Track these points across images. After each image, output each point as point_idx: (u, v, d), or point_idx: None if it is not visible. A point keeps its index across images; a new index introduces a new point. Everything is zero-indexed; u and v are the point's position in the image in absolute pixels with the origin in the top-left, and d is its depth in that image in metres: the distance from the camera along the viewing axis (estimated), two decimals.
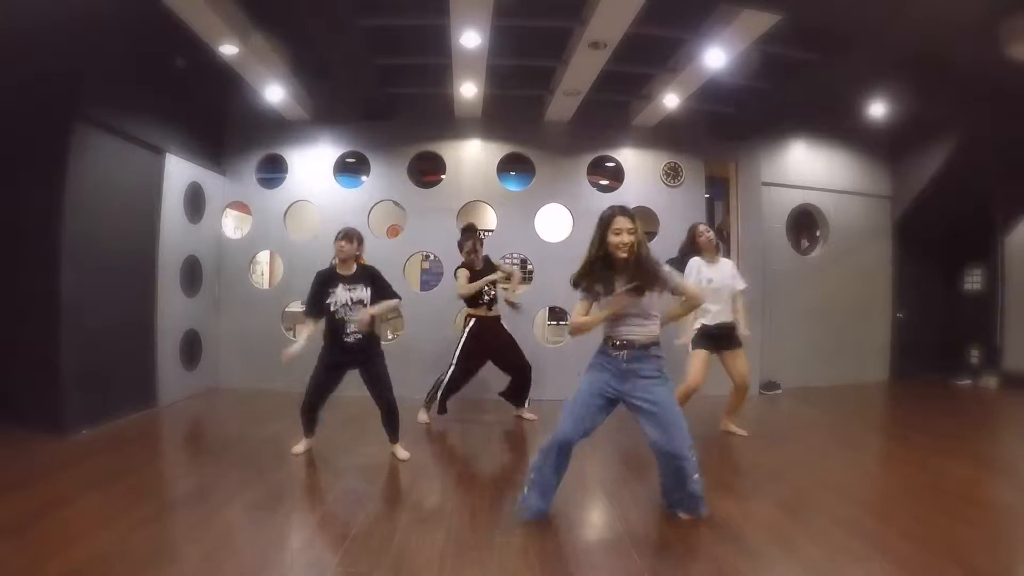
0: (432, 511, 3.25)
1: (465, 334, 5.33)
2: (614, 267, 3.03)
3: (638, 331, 3.06)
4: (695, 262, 4.77)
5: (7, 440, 4.17)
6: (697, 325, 4.73)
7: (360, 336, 3.98)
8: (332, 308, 3.95)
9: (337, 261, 4.08)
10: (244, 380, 6.49)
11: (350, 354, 4.03)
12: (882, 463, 4.62)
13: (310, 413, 4.17)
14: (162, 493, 3.52)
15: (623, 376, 3.07)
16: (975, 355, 7.91)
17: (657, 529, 3.03)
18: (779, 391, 6.93)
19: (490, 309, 5.37)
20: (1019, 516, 3.35)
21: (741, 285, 4.82)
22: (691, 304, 3.32)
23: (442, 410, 5.32)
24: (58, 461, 3.87)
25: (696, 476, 3.06)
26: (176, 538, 2.89)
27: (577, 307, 3.17)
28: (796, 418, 6.02)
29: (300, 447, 4.24)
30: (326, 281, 4.01)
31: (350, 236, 4.04)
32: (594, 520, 3.22)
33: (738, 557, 2.70)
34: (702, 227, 4.88)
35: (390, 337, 7.48)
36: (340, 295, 3.95)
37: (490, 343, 5.35)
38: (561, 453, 3.10)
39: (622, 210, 3.04)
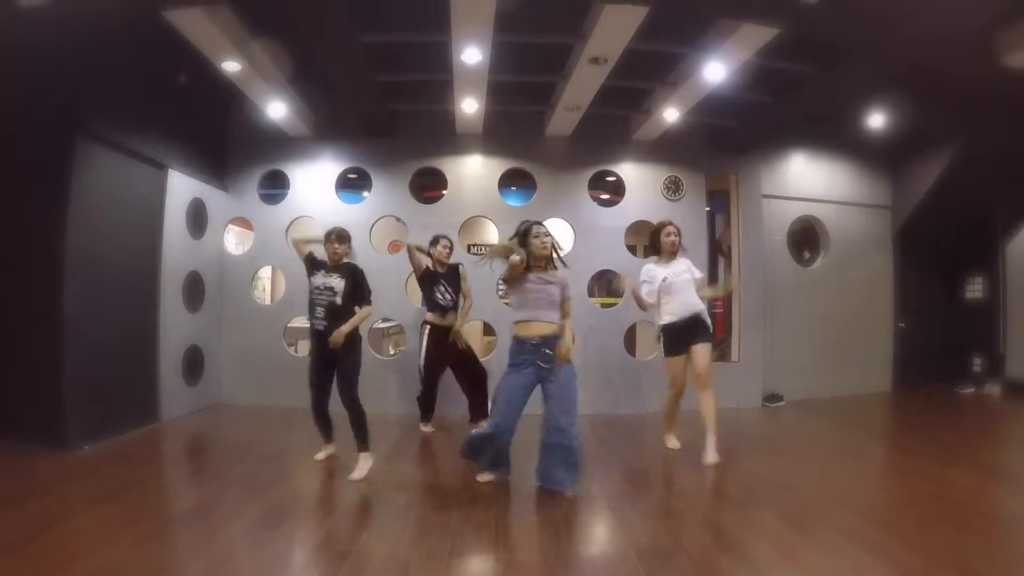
0: (435, 526, 3.22)
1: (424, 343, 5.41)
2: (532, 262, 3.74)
3: (547, 325, 3.73)
4: (647, 268, 4.73)
5: (8, 455, 4.17)
6: (660, 324, 4.70)
7: (326, 324, 4.09)
8: (311, 286, 4.21)
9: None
10: (246, 396, 6.48)
11: (321, 342, 4.12)
12: (886, 473, 4.60)
13: (316, 413, 4.29)
14: (164, 509, 3.50)
15: (540, 366, 3.71)
16: (978, 363, 7.90)
17: (661, 540, 3.02)
18: (782, 403, 6.90)
19: (444, 317, 5.40)
20: (1023, 525, 3.33)
21: (698, 274, 4.74)
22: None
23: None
24: (59, 477, 3.86)
25: (576, 458, 3.65)
26: (178, 555, 2.87)
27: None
28: (799, 430, 6.00)
29: (321, 454, 4.43)
30: (315, 263, 4.27)
31: (340, 237, 4.25)
32: (598, 532, 3.20)
33: (742, 568, 2.69)
34: (670, 228, 4.74)
35: (392, 352, 7.46)
36: (318, 279, 4.19)
37: (447, 353, 5.40)
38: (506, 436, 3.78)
39: (538, 223, 3.85)
